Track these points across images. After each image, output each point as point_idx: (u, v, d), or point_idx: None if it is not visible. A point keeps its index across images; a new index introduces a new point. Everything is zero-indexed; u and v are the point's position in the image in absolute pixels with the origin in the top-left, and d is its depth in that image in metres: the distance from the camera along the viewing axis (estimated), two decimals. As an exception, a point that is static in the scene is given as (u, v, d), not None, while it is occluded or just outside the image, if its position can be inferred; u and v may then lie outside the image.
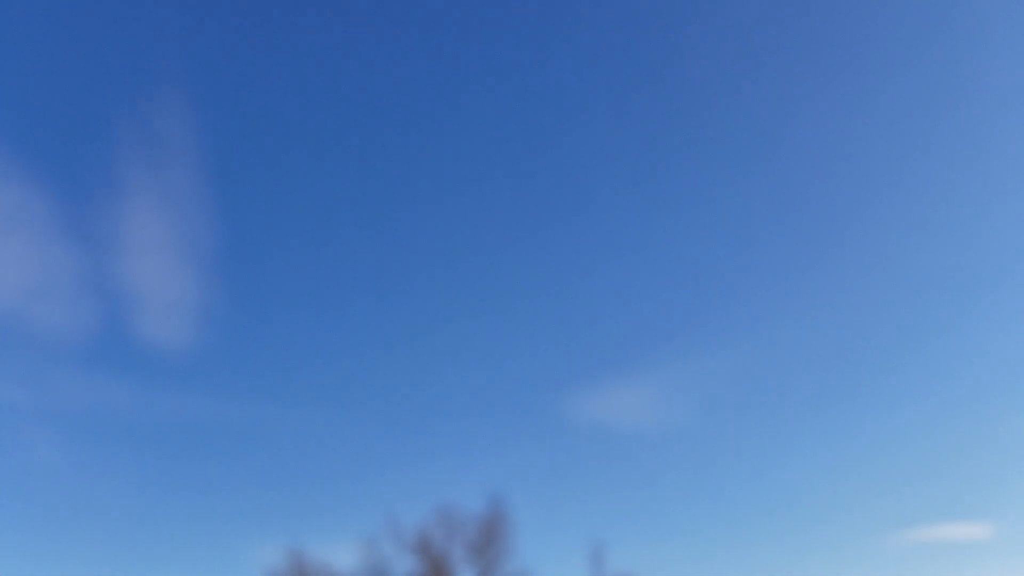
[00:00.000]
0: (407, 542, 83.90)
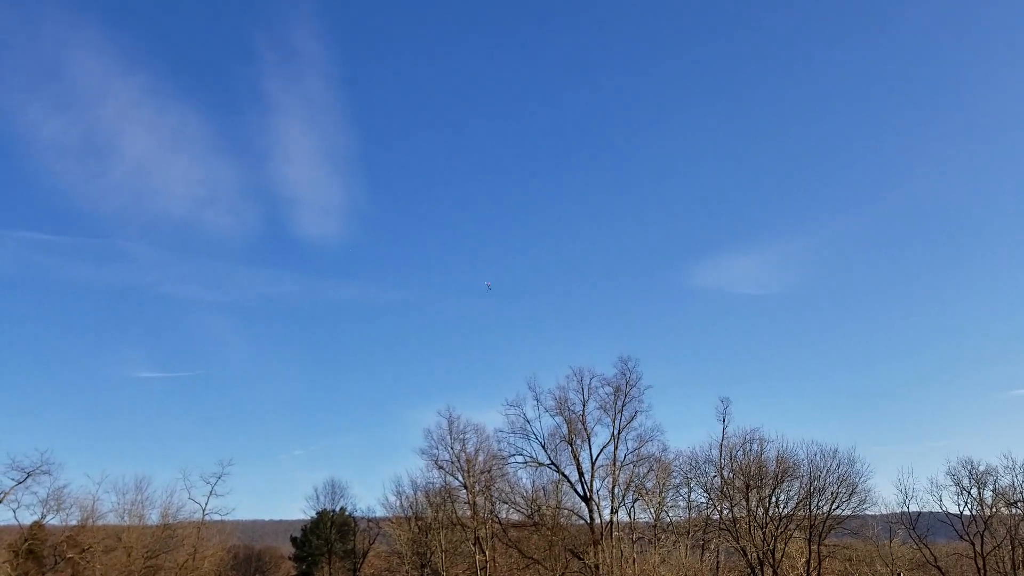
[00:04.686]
0: (546, 403, 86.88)
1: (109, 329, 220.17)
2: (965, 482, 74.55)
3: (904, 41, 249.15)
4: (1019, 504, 72.71)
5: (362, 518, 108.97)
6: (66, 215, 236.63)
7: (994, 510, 73.84)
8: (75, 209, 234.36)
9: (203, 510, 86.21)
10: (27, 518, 75.28)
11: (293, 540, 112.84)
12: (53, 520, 77.82)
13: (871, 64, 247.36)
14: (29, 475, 71.32)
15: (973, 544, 72.68)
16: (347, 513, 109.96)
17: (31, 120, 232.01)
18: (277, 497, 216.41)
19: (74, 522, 79.00)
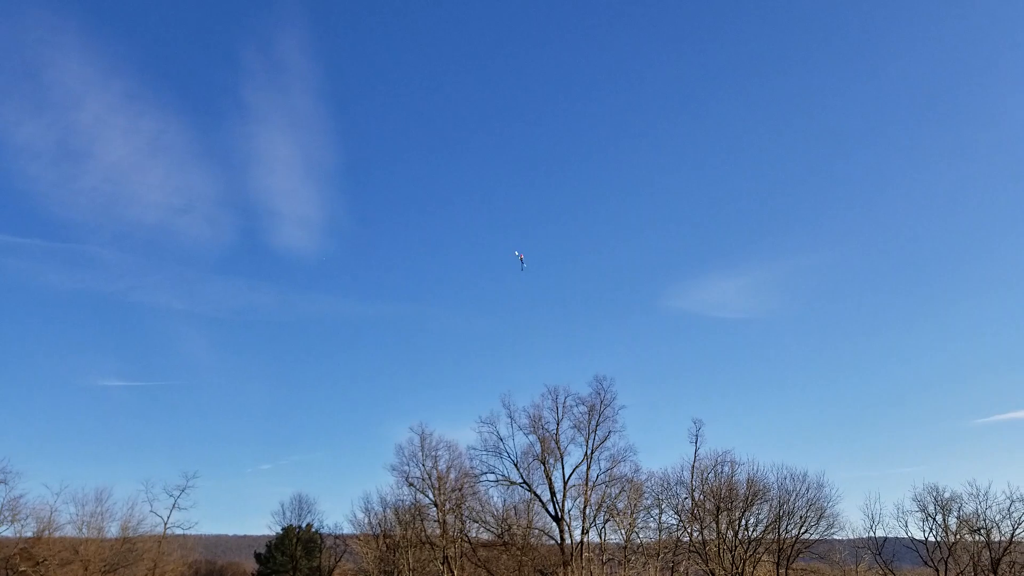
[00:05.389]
0: (520, 421, 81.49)
1: (77, 335, 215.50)
2: (931, 508, 75.56)
3: (893, 56, 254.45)
4: (983, 531, 73.68)
5: (329, 535, 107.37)
6: (37, 218, 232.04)
7: (958, 537, 74.74)
8: (47, 213, 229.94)
9: (165, 524, 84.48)
10: (-20, 529, 73.11)
11: (257, 556, 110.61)
12: (7, 531, 75.77)
13: (859, 81, 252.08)
14: (-16, 484, 69.39)
15: (937, 570, 73.43)
16: (313, 529, 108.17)
17: (5, 121, 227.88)
18: (242, 512, 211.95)
19: (29, 534, 76.88)
